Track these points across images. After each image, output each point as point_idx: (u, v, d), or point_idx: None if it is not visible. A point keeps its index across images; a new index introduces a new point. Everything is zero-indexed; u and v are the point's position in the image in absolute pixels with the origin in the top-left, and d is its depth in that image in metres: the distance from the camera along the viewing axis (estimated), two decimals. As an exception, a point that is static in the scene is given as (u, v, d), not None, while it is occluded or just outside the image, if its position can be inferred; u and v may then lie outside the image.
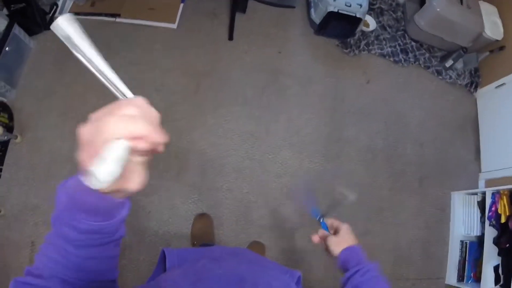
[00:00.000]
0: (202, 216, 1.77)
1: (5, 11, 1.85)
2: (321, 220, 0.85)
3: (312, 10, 2.20)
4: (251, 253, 0.88)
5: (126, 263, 1.59)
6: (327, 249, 0.81)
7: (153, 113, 0.35)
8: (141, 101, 0.35)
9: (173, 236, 1.73)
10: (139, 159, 0.36)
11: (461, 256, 2.08)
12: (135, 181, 0.37)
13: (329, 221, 0.85)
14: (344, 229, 0.81)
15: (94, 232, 0.40)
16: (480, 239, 2.02)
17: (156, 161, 1.80)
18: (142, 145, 0.33)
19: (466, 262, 2.04)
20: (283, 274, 0.72)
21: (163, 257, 0.73)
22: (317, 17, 2.15)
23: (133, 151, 0.33)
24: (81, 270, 0.42)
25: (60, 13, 2.08)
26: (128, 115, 0.32)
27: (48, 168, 1.72)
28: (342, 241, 0.79)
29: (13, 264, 1.58)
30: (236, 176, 1.87)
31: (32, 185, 1.69)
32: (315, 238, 0.85)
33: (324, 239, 0.83)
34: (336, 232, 0.82)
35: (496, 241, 1.92)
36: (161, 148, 0.36)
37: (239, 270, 0.59)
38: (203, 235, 1.73)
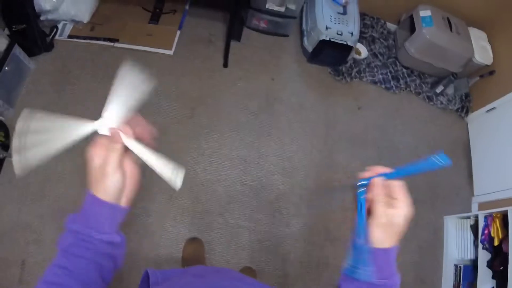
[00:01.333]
0: (193, 240, 1.78)
1: (6, 31, 1.88)
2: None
3: (305, 38, 2.27)
4: (235, 272, 0.89)
5: (116, 284, 1.60)
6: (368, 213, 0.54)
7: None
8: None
9: (163, 260, 1.73)
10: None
11: (455, 280, 2.07)
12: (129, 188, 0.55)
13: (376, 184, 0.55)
14: (402, 210, 0.51)
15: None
16: (474, 263, 2.01)
17: (149, 184, 1.82)
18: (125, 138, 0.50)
19: (461, 286, 2.03)
20: None
21: (146, 278, 0.70)
22: (309, 45, 2.21)
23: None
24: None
25: (61, 35, 2.13)
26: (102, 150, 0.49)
27: (41, 187, 1.73)
28: (391, 230, 0.51)
29: (2, 283, 1.57)
30: (228, 200, 1.89)
31: (25, 203, 1.69)
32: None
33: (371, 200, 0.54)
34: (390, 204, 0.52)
35: (489, 264, 1.92)
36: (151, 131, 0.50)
37: (223, 285, 0.59)
38: (194, 259, 1.73)
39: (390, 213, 0.51)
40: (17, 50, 1.88)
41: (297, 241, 1.91)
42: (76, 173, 1.78)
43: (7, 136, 1.83)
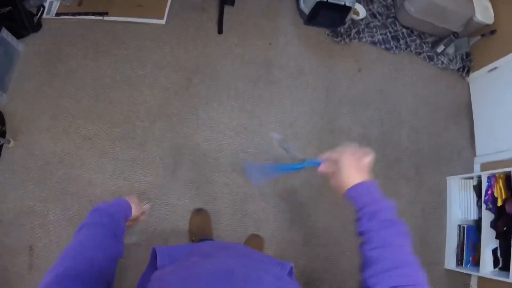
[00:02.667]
0: (199, 211, 1.77)
1: None
2: (307, 162, 0.73)
3: (301, 0, 2.19)
4: (243, 247, 0.88)
5: (125, 262, 1.60)
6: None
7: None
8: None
9: (170, 233, 1.72)
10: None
11: (459, 240, 2.09)
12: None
13: (325, 156, 0.72)
14: (344, 159, 0.68)
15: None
16: (478, 223, 2.02)
17: (151, 157, 1.80)
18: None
19: (465, 246, 2.05)
20: (274, 266, 0.71)
21: (154, 256, 0.72)
22: (306, 7, 2.14)
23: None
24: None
25: (48, 14, 2.05)
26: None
27: (42, 171, 1.71)
28: (342, 179, 0.67)
29: (11, 270, 1.57)
30: (231, 169, 1.87)
31: (27, 189, 1.68)
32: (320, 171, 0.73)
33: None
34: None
35: (493, 225, 1.93)
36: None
37: (229, 265, 0.59)
38: (201, 231, 1.73)
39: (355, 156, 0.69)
40: (5, 33, 1.82)
41: (304, 204, 1.91)
42: (75, 154, 1.75)
43: (2, 122, 1.79)
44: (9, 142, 1.74)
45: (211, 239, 1.71)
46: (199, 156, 1.86)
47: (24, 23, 1.93)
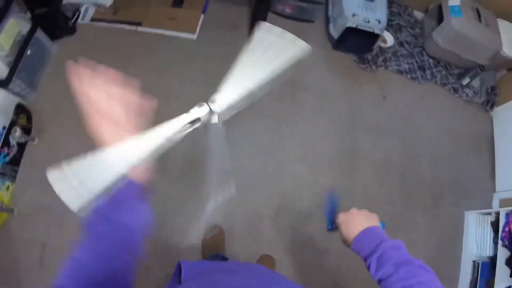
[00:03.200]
0: (213, 228, 1.78)
1: (28, 14, 1.88)
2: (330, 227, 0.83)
3: (331, 25, 2.22)
4: (266, 269, 0.89)
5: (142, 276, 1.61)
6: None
7: None
8: None
9: (184, 247, 1.73)
10: None
11: (472, 276, 2.05)
12: None
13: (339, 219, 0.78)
14: (350, 213, 0.75)
15: None
16: (493, 260, 1.98)
17: (171, 168, 1.82)
18: None
19: (478, 283, 2.01)
20: None
21: (178, 269, 0.72)
22: (335, 32, 2.16)
23: None
24: None
25: (83, 19, 2.12)
26: None
27: (64, 172, 1.75)
28: (349, 229, 0.72)
29: (23, 262, 1.60)
30: (250, 187, 1.88)
31: (46, 187, 1.68)
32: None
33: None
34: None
35: (508, 262, 1.89)
36: None
37: (252, 283, 0.60)
38: (214, 247, 1.74)
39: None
40: (39, 33, 1.87)
41: (318, 227, 1.91)
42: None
43: (30, 119, 1.84)
44: (34, 139, 1.78)
45: (223, 255, 1.72)
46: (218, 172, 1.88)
47: (59, 26, 1.99)
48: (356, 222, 0.72)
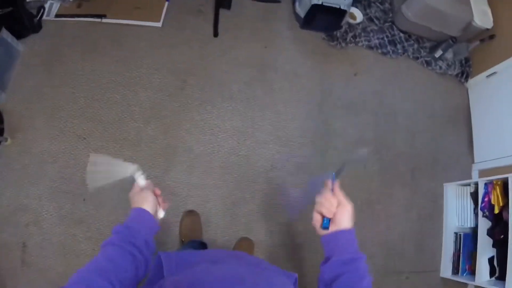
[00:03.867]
0: (190, 213, 1.77)
1: None
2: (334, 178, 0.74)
3: (297, 3, 2.20)
4: (250, 256, 0.88)
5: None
6: (316, 221, 0.72)
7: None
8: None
9: (161, 234, 1.72)
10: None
11: (455, 248, 2.06)
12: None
13: (337, 187, 0.73)
14: (345, 208, 0.70)
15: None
16: (474, 231, 1.99)
17: (144, 158, 1.81)
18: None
19: (461, 255, 2.01)
20: (281, 276, 0.72)
21: (159, 261, 0.70)
22: (302, 11, 2.14)
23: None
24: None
25: (48, 15, 2.09)
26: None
27: (37, 169, 1.73)
28: (338, 220, 0.69)
29: (4, 265, 1.59)
30: (223, 172, 1.87)
31: (23, 186, 1.70)
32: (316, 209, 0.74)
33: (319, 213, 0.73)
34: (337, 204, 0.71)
35: (490, 233, 1.89)
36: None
37: (239, 272, 0.59)
38: (191, 233, 1.73)
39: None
40: (5, 33, 1.85)
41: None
42: (69, 153, 1.77)
43: (1, 120, 1.81)
44: (6, 140, 1.76)
45: (201, 241, 1.71)
46: (192, 158, 1.86)
47: (25, 24, 1.96)
48: (338, 222, 0.69)
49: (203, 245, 1.61)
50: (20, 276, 1.57)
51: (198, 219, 1.77)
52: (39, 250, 1.61)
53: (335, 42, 2.21)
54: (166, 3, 2.14)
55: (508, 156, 1.98)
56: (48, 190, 1.70)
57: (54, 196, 1.69)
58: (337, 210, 0.68)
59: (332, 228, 0.68)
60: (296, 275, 0.74)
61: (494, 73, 2.23)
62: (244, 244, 1.77)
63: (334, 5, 2.00)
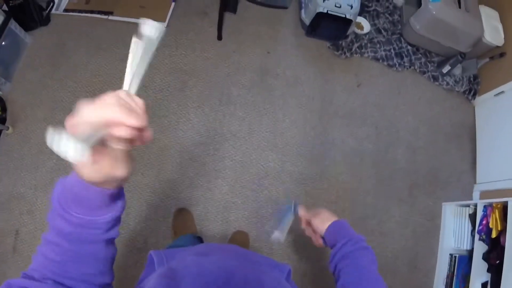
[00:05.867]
0: (182, 210, 1.77)
1: (4, 7, 1.90)
2: (293, 210, 0.94)
3: (303, 10, 2.18)
4: (240, 248, 0.86)
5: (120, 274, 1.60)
6: (312, 231, 0.85)
7: (134, 102, 0.36)
8: (122, 92, 0.36)
9: (150, 234, 1.72)
10: (121, 146, 0.37)
11: (449, 270, 2.00)
12: (120, 168, 0.38)
13: (302, 212, 0.90)
14: (324, 210, 0.85)
15: (86, 226, 0.42)
16: (471, 253, 1.92)
17: (138, 156, 1.81)
18: (120, 132, 0.34)
19: (454, 277, 1.95)
20: (272, 268, 0.70)
21: (151, 261, 0.70)
22: (307, 18, 2.12)
23: (113, 138, 0.35)
24: (74, 270, 0.44)
25: (57, 10, 2.13)
26: (105, 103, 0.34)
27: (35, 159, 1.76)
28: (325, 218, 0.82)
29: None
30: (216, 175, 1.86)
31: (20, 175, 1.73)
32: (303, 223, 0.89)
33: (307, 223, 0.88)
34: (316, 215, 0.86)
35: (486, 257, 1.83)
36: (147, 138, 0.38)
37: (228, 265, 0.57)
38: (185, 229, 1.72)
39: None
40: (14, 24, 1.90)
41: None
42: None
43: (4, 109, 1.86)
44: (8, 128, 1.80)
45: (195, 235, 1.69)
46: (186, 159, 1.86)
47: (34, 17, 2.02)
48: (327, 220, 0.82)
49: (199, 239, 1.60)
50: (11, 263, 1.59)
51: (190, 215, 1.77)
52: (31, 239, 1.63)
53: (340, 52, 2.18)
54: (173, 4, 2.15)
55: (509, 179, 1.92)
56: (44, 181, 1.72)
57: (49, 187, 1.71)
58: (319, 216, 0.84)
59: (325, 224, 0.81)
60: (289, 266, 0.73)
61: (502, 92, 2.16)
62: (239, 237, 1.76)
63: (339, 14, 1.98)
